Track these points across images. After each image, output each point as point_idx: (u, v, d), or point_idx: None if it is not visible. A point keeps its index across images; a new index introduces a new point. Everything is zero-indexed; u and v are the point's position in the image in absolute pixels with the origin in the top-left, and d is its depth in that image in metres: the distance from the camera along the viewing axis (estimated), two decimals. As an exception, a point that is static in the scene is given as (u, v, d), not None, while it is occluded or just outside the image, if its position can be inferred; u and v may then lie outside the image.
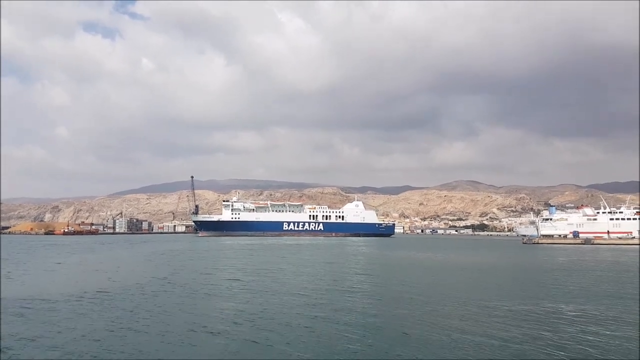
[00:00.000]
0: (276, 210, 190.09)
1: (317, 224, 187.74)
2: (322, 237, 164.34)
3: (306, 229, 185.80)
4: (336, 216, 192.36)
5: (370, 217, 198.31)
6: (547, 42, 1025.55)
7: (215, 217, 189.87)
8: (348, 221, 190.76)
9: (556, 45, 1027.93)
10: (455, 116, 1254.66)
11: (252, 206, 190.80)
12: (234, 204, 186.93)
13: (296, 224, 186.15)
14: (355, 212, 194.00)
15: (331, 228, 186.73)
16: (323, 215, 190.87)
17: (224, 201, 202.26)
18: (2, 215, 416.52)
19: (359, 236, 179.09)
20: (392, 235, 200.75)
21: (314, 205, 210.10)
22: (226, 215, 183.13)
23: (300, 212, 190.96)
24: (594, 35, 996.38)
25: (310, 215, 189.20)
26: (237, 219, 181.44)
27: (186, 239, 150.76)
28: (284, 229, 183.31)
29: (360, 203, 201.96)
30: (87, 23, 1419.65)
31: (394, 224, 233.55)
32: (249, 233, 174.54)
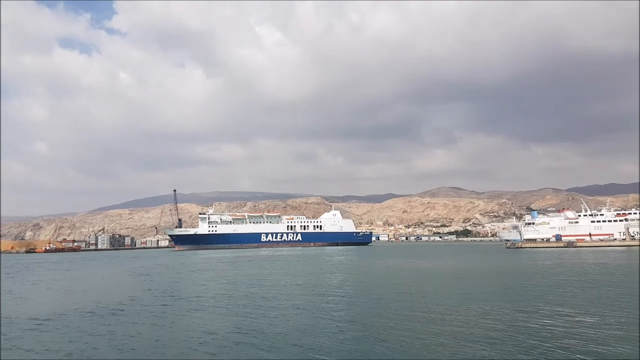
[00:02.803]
0: (254, 222, 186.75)
1: (295, 234, 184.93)
2: (300, 248, 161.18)
3: (284, 239, 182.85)
4: (314, 226, 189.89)
5: (348, 226, 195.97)
6: (523, 50, 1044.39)
7: (191, 231, 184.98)
8: (326, 231, 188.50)
9: (533, 52, 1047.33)
10: (435, 124, 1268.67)
11: (230, 218, 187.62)
12: (211, 216, 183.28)
13: (274, 235, 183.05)
14: (333, 221, 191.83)
15: (309, 238, 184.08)
16: (301, 226, 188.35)
17: (200, 214, 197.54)
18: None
19: (337, 245, 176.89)
20: (370, 244, 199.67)
21: (292, 216, 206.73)
22: (203, 229, 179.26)
23: (278, 223, 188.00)
24: (570, 42, 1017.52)
25: (288, 226, 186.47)
26: (214, 232, 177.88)
27: (158, 253, 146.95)
28: (262, 240, 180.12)
29: (337, 212, 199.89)
30: (64, 39, 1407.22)
31: (371, 233, 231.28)
32: (227, 246, 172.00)
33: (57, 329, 20.79)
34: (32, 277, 54.17)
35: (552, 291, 29.09)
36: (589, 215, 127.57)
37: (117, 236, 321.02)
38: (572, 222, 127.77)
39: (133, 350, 16.42)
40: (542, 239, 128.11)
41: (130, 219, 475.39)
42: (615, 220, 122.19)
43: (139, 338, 18.24)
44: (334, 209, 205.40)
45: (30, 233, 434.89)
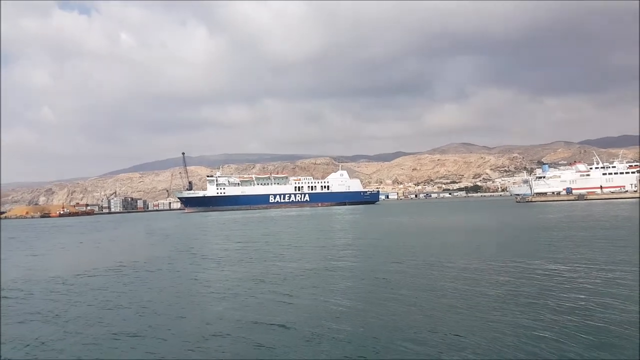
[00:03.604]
0: (261, 184, 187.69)
1: (302, 195, 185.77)
2: (308, 208, 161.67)
3: (292, 200, 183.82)
4: (321, 186, 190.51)
5: (355, 186, 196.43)
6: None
7: (200, 193, 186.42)
8: (333, 191, 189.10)
9: (549, 1, 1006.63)
10: (445, 79, 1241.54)
11: (237, 180, 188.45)
12: (219, 179, 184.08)
13: (282, 196, 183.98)
14: (340, 181, 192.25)
15: (317, 198, 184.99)
16: (308, 186, 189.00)
17: (208, 176, 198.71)
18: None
19: (345, 205, 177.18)
20: (377, 202, 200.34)
21: (299, 177, 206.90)
22: (211, 191, 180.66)
23: (285, 184, 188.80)
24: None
25: (295, 187, 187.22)
26: (222, 194, 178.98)
27: (171, 215, 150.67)
28: (270, 201, 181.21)
29: (345, 172, 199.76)
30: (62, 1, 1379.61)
31: (378, 191, 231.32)
32: (235, 207, 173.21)
33: (83, 285, 21.13)
34: (54, 240, 54.68)
35: (553, 245, 28.08)
36: (601, 167, 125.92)
37: (130, 199, 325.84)
38: (584, 175, 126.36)
39: (151, 302, 16.78)
40: (553, 193, 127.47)
41: (141, 182, 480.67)
42: (627, 172, 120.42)
43: (161, 293, 18.57)
44: (343, 169, 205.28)
45: (44, 198, 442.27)
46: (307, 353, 10.86)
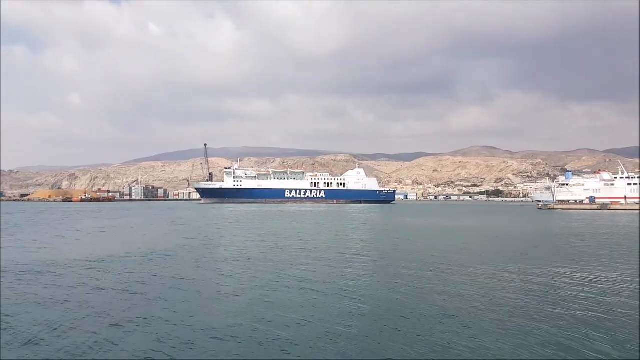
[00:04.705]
0: (278, 178, 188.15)
1: (318, 191, 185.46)
2: (324, 205, 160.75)
3: (308, 196, 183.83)
4: (338, 183, 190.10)
5: (372, 184, 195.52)
6: (569, 4, 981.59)
7: (217, 185, 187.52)
8: (349, 188, 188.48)
9: (574, 5, 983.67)
10: (470, 80, 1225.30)
11: (254, 173, 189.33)
12: (236, 171, 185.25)
13: (298, 191, 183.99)
14: (356, 179, 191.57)
15: (332, 195, 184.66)
16: (325, 183, 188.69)
17: (225, 168, 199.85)
18: (21, 183, 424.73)
19: (360, 203, 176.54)
20: (393, 202, 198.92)
21: (316, 173, 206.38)
22: (228, 183, 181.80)
23: (302, 180, 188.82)
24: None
25: (312, 183, 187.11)
26: (239, 187, 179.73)
27: (191, 205, 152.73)
28: (286, 196, 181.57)
29: (361, 170, 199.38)
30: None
31: (394, 191, 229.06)
32: (251, 200, 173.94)
33: (109, 269, 21.51)
34: (78, 225, 54.75)
35: (581, 252, 26.50)
36: (626, 177, 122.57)
37: (151, 187, 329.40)
38: (608, 184, 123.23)
39: (175, 288, 17.15)
40: (576, 201, 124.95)
41: (163, 172, 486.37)
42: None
43: (181, 281, 18.74)
44: (363, 167, 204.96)
45: (67, 183, 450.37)
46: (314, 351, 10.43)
